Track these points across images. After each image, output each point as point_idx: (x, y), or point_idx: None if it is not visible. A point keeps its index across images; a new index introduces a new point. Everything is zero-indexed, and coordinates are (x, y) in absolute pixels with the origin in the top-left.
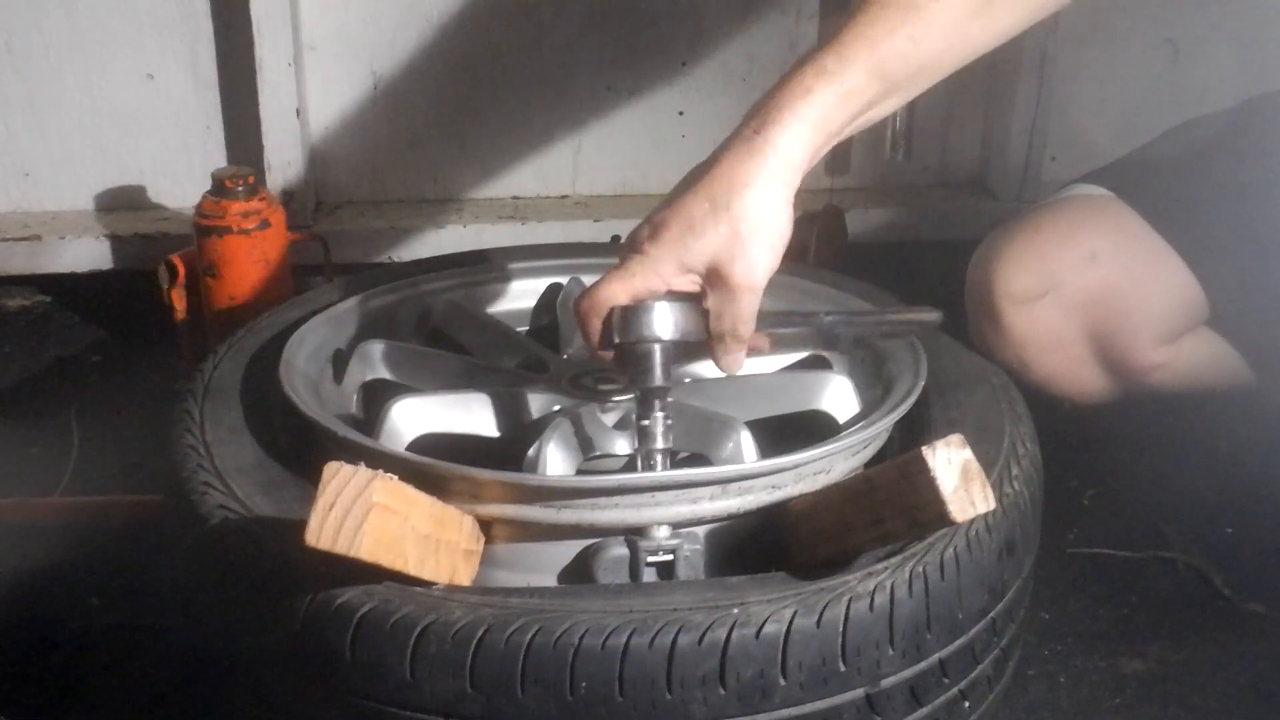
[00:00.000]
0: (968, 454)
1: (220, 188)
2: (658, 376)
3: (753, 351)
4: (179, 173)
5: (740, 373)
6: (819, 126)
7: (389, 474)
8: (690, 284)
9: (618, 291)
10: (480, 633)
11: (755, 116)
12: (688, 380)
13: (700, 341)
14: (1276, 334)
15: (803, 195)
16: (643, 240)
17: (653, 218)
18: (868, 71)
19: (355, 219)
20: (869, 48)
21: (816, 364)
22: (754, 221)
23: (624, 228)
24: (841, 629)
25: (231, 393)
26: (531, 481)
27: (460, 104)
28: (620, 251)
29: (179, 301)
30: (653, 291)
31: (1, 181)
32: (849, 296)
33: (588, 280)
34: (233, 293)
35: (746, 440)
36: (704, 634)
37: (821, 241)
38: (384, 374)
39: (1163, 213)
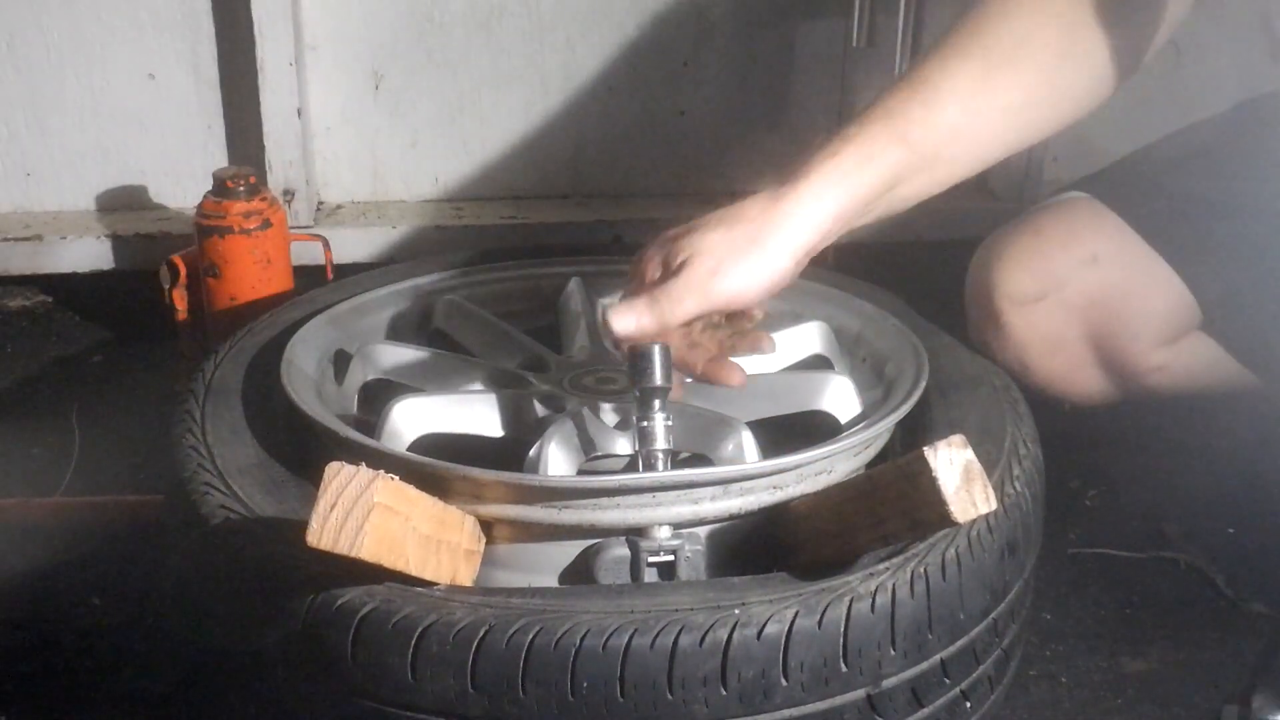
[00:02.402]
0: (969, 454)
1: (221, 188)
2: (658, 377)
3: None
4: (180, 173)
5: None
6: (844, 187)
7: (390, 474)
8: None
9: (647, 325)
10: (482, 633)
11: (781, 176)
12: (689, 380)
13: None
14: (1267, 338)
15: None
16: (668, 268)
17: (677, 246)
18: (888, 136)
19: (357, 219)
20: (885, 115)
21: (818, 364)
22: (770, 267)
23: (624, 228)
24: (843, 629)
25: (233, 393)
26: (533, 482)
27: (461, 104)
28: (640, 269)
29: (180, 301)
30: (677, 325)
31: (3, 181)
32: (849, 296)
33: (588, 281)
34: (234, 293)
35: (748, 440)
36: (705, 634)
37: None
38: (385, 374)
39: (1147, 221)
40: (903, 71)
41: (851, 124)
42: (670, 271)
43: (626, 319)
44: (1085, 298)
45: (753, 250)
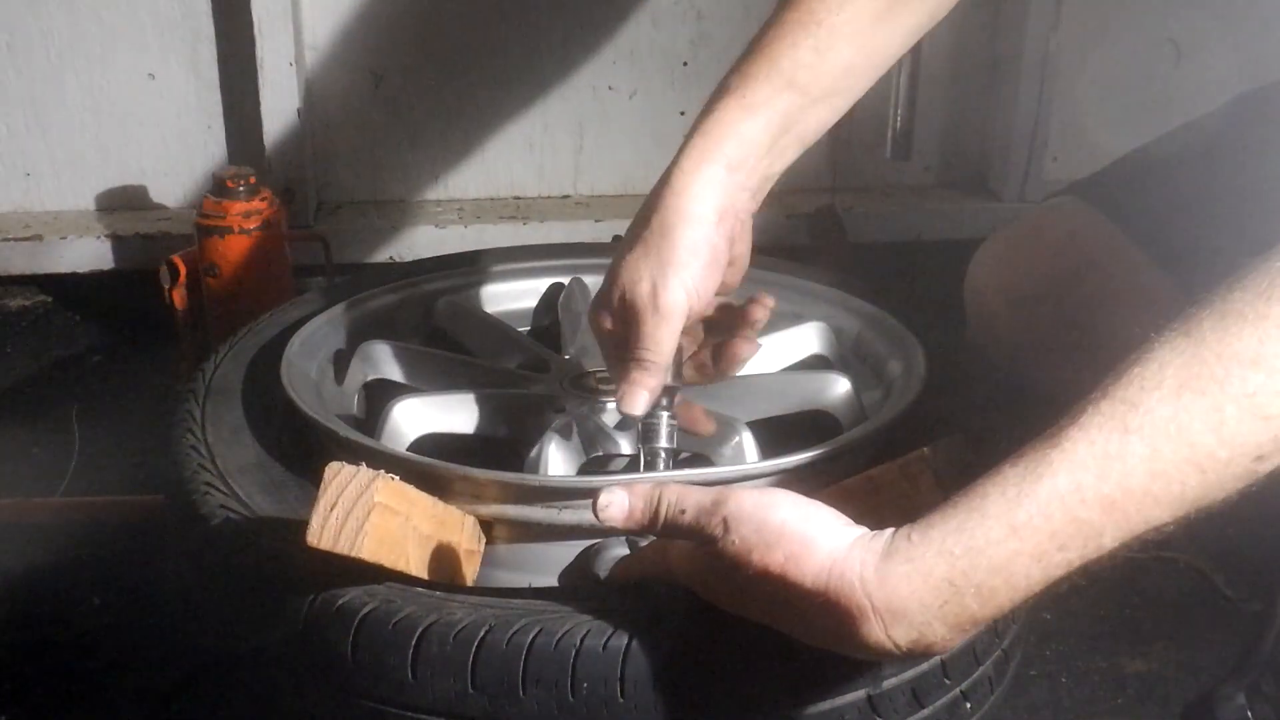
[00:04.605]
0: (969, 454)
1: (221, 188)
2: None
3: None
4: (180, 172)
5: (742, 373)
6: (731, 142)
7: (390, 474)
8: (609, 322)
9: (651, 383)
10: (482, 633)
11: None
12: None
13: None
14: None
15: (802, 195)
16: (615, 313)
17: (612, 285)
18: (772, 84)
19: (356, 219)
20: (768, 62)
21: (818, 364)
22: (668, 248)
23: (625, 227)
24: None
25: (233, 393)
26: (533, 482)
27: (461, 104)
28: (599, 324)
29: (180, 301)
30: (670, 359)
31: (3, 181)
32: (847, 296)
33: (589, 280)
34: (234, 292)
35: (748, 440)
36: None
37: (816, 241)
38: (385, 374)
39: (1137, 225)
40: (781, 2)
41: (732, 74)
42: (621, 315)
43: (633, 398)
44: (1082, 299)
45: (671, 249)
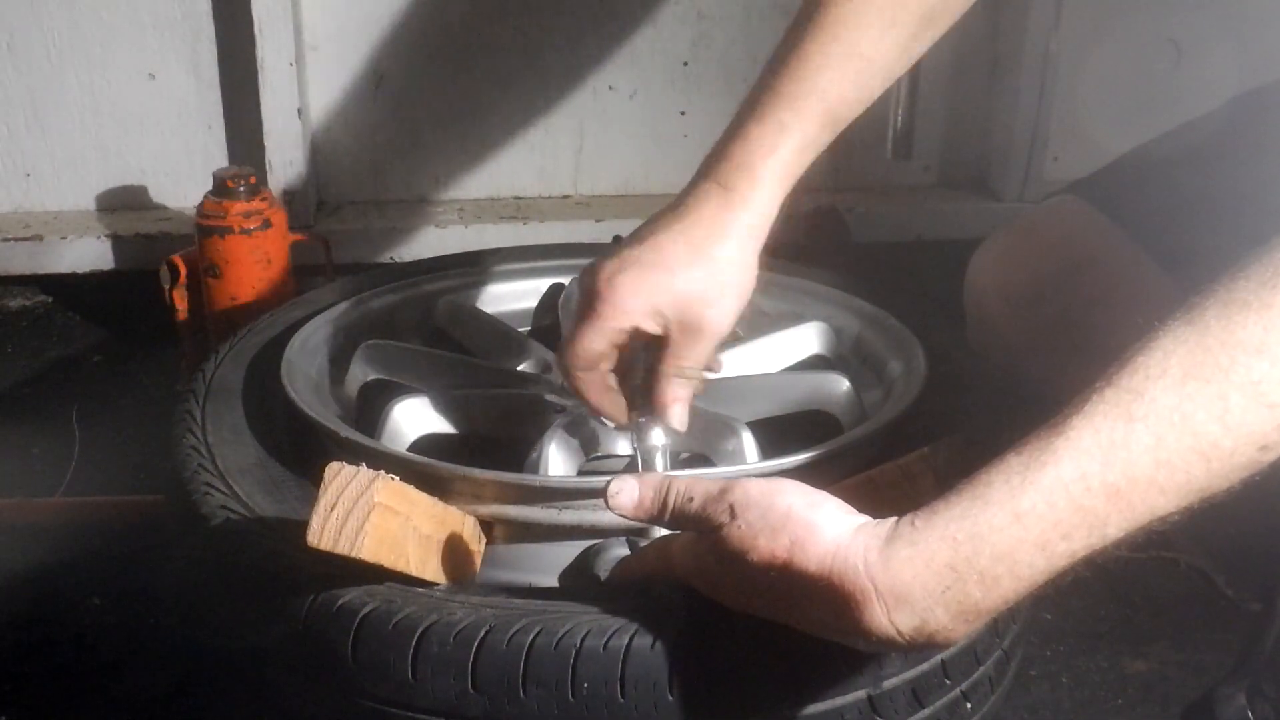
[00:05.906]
0: (969, 454)
1: (222, 188)
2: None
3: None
4: (180, 172)
5: (742, 373)
6: (785, 180)
7: (390, 474)
8: (654, 325)
9: (592, 340)
10: (482, 634)
11: (720, 171)
12: None
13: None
14: None
15: (802, 195)
16: (609, 276)
17: (621, 253)
18: (821, 122)
19: (357, 219)
20: (821, 100)
21: (819, 364)
22: (731, 271)
23: (626, 227)
24: None
25: (233, 393)
26: (533, 482)
27: (461, 104)
28: (581, 286)
29: (180, 302)
30: (621, 332)
31: (3, 181)
32: (849, 296)
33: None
34: (234, 293)
35: (748, 440)
36: None
37: (820, 241)
38: (385, 374)
39: (1137, 224)
40: (816, 23)
41: (783, 104)
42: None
43: (573, 352)
44: (1080, 300)
45: (729, 276)
